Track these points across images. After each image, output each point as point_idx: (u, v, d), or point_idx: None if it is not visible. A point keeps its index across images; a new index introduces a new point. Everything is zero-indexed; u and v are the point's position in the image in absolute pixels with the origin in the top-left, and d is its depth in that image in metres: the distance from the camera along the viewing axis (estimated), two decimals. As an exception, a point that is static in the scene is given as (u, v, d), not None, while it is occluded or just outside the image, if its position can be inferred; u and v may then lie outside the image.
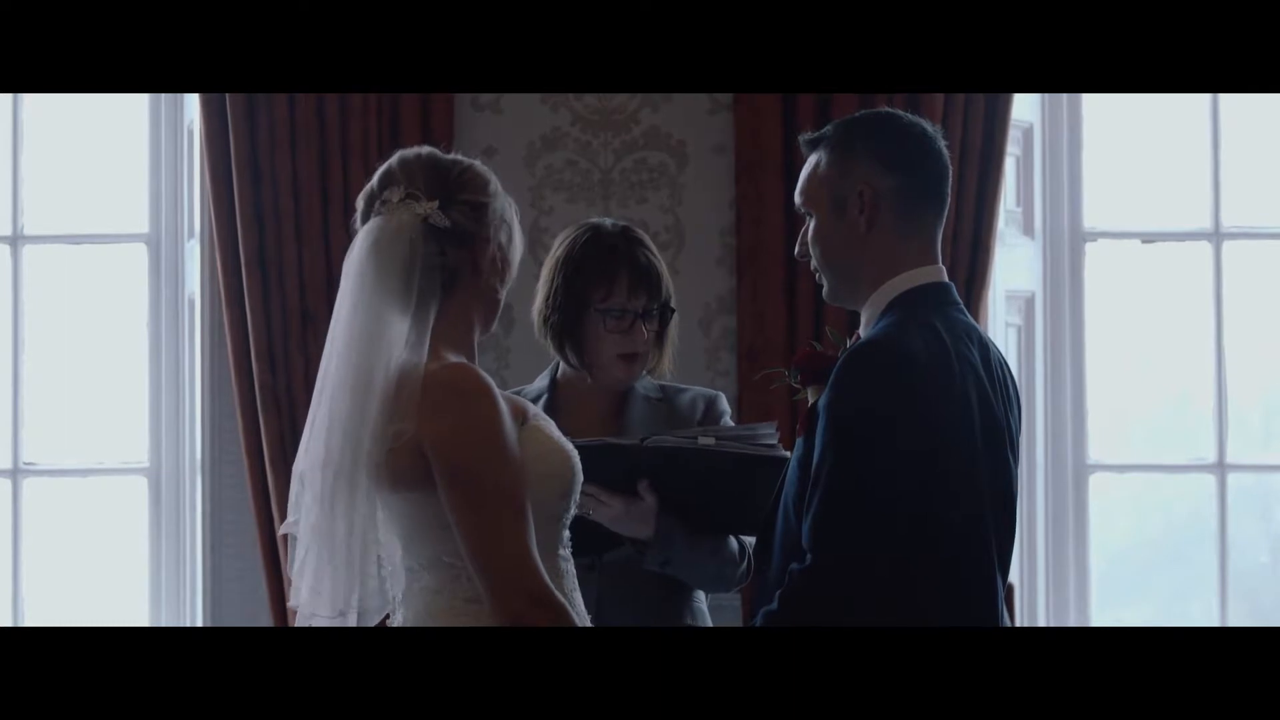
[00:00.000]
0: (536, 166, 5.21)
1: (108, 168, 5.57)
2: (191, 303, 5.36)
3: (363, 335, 3.02)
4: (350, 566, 3.03)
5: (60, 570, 5.58)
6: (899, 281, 3.20)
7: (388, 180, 3.11)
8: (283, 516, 5.01)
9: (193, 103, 5.24)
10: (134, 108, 5.47)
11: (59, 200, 5.58)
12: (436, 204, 3.07)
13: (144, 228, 5.50)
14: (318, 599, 3.04)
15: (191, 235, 5.36)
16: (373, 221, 3.09)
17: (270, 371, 5.09)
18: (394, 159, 3.14)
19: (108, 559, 5.59)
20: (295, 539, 3.13)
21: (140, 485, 5.49)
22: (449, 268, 3.08)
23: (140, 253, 5.50)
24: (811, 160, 3.27)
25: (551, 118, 5.22)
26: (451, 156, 3.15)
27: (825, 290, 3.29)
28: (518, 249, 3.19)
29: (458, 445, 2.98)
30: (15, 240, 5.51)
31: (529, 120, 5.22)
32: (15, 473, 5.51)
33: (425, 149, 3.16)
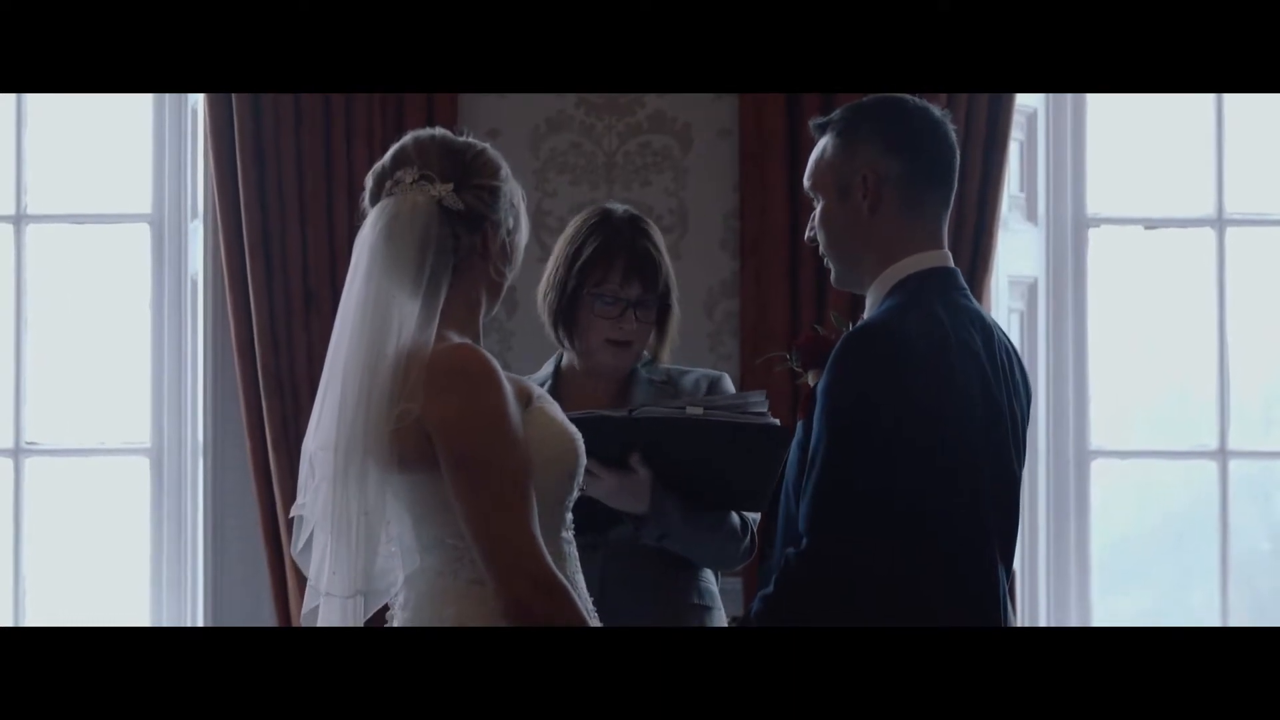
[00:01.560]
0: (540, 149, 5.21)
1: (111, 148, 5.56)
2: (194, 283, 5.36)
3: (373, 315, 3.03)
4: (361, 546, 3.03)
5: (62, 550, 5.58)
6: (903, 266, 3.20)
7: (401, 160, 3.11)
8: (285, 497, 5.03)
9: (196, 83, 5.24)
10: (137, 88, 5.47)
11: (62, 180, 5.57)
12: (451, 186, 3.08)
13: (147, 208, 5.50)
14: (333, 580, 3.05)
15: (195, 216, 5.36)
16: (385, 201, 3.09)
17: (273, 353, 5.09)
18: (408, 139, 3.14)
19: (109, 539, 5.59)
20: (300, 521, 3.13)
21: (142, 465, 5.49)
22: (460, 251, 3.09)
23: (143, 233, 5.50)
24: (819, 145, 3.28)
25: (556, 101, 5.22)
26: (464, 139, 3.16)
27: (833, 275, 3.29)
28: (524, 234, 3.20)
29: (462, 428, 2.98)
30: (18, 219, 5.51)
31: (533, 103, 5.21)
32: (17, 452, 5.51)
33: (438, 130, 3.16)
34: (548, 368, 3.98)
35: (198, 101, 5.25)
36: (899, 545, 3.02)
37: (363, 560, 3.05)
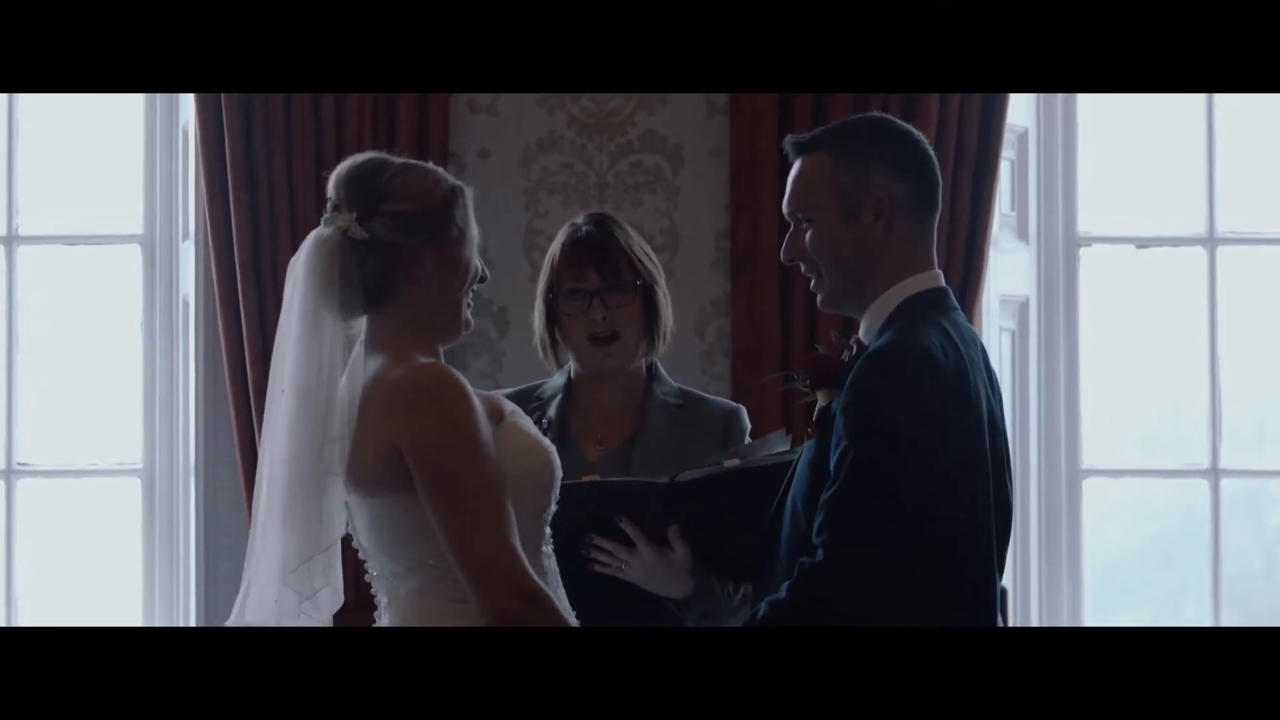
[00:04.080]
0: (532, 169, 5.21)
1: (103, 169, 5.56)
2: (186, 304, 5.36)
3: (301, 347, 3.07)
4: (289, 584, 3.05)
5: (54, 571, 5.58)
6: (905, 286, 3.20)
7: (330, 190, 3.15)
8: (276, 518, 5.02)
9: (188, 104, 5.24)
10: (129, 109, 5.47)
11: (54, 201, 5.57)
12: (354, 215, 3.08)
13: (139, 229, 5.49)
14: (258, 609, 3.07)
15: (186, 237, 5.36)
16: (311, 233, 3.13)
17: (264, 373, 5.02)
18: (340, 165, 3.17)
19: (101, 560, 5.58)
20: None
21: (134, 487, 5.48)
22: (373, 279, 3.09)
23: (135, 254, 5.50)
24: (807, 163, 3.24)
25: (547, 120, 5.22)
26: (386, 162, 3.15)
27: (823, 296, 3.25)
28: (473, 244, 3.18)
29: (433, 446, 2.99)
30: (10, 241, 5.51)
31: (525, 123, 5.22)
32: (9, 473, 5.51)
33: (364, 156, 3.17)
34: (559, 379, 3.95)
35: (189, 122, 5.25)
36: (912, 560, 3.02)
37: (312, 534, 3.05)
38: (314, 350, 3.06)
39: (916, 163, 3.24)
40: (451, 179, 3.18)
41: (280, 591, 3.06)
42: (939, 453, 3.05)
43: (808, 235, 3.23)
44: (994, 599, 3.14)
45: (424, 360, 3.07)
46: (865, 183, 3.19)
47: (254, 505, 3.15)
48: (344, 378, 3.08)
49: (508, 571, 2.94)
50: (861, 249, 3.20)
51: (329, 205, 3.13)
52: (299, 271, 3.09)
